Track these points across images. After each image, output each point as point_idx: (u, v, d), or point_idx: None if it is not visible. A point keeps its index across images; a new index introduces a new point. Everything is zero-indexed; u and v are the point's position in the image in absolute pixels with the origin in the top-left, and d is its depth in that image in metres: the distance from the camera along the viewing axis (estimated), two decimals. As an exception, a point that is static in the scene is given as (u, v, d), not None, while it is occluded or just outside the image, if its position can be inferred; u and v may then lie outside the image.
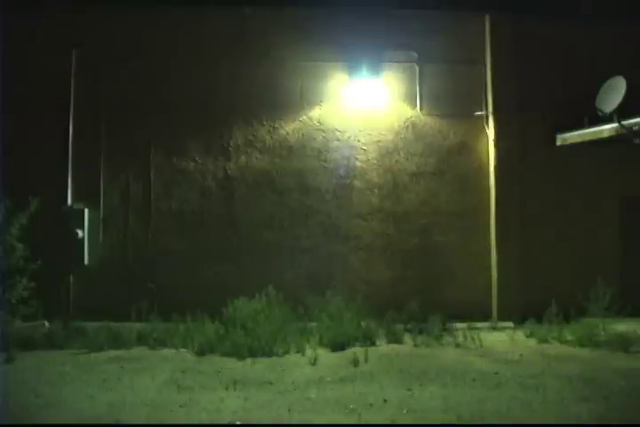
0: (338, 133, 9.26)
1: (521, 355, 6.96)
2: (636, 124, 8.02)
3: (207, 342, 7.18)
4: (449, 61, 9.30)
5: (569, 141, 9.04)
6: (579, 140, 8.87)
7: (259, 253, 9.02)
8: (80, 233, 8.87)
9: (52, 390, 5.57)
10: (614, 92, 8.62)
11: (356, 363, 6.52)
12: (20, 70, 8.54)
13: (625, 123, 8.11)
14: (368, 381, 5.89)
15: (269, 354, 6.91)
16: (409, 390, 5.56)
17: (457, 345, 7.48)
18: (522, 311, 8.45)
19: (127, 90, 8.99)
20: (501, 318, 8.82)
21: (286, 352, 7.04)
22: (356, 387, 5.67)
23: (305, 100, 9.23)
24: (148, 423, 4.77)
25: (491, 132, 9.28)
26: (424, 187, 9.31)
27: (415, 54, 9.32)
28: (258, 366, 6.49)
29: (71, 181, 8.96)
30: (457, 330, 7.99)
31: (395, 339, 7.65)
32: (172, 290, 8.72)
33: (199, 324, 7.80)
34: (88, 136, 8.97)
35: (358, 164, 9.28)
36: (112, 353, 7.07)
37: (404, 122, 9.32)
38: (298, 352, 7.05)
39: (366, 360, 6.63)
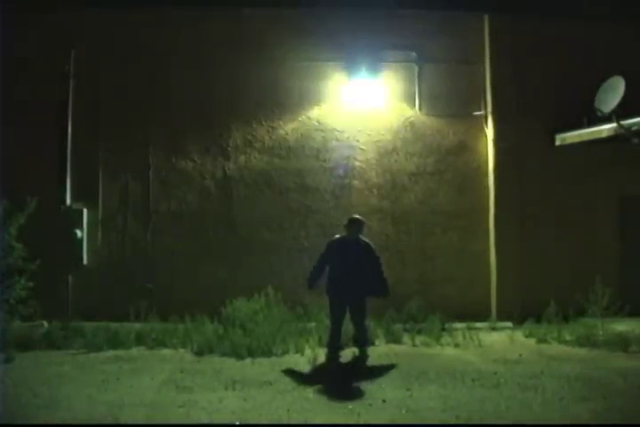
0: (337, 133, 9.26)
1: (520, 355, 6.96)
2: (634, 124, 8.02)
3: (206, 343, 7.19)
4: (448, 61, 9.30)
5: (568, 141, 9.04)
6: (577, 140, 8.87)
7: (257, 253, 9.01)
8: (79, 233, 8.86)
9: (51, 390, 5.55)
10: (613, 92, 8.63)
11: (354, 363, 6.52)
12: (19, 70, 8.53)
13: (624, 123, 8.10)
14: (367, 381, 5.89)
15: (268, 354, 6.91)
16: (408, 390, 5.56)
17: (456, 345, 7.48)
18: (521, 311, 8.45)
19: (126, 90, 8.99)
20: (500, 318, 8.81)
21: (285, 352, 7.03)
22: (355, 387, 5.66)
23: (304, 99, 9.22)
24: (147, 423, 4.77)
25: (490, 132, 9.28)
26: (423, 187, 9.31)
27: (414, 54, 9.31)
28: (257, 367, 6.49)
29: (70, 181, 8.96)
30: (456, 330, 7.99)
31: (394, 339, 7.65)
32: (171, 290, 8.72)
33: (198, 324, 7.81)
34: (87, 136, 8.97)
35: (357, 164, 9.27)
36: (111, 353, 7.06)
37: (403, 122, 9.32)
38: (297, 352, 7.05)
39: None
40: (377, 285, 6.83)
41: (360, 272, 6.75)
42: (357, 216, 7.12)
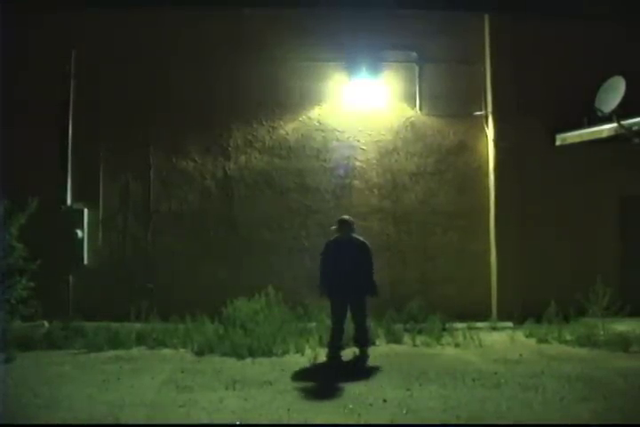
0: (337, 133, 9.26)
1: (520, 355, 6.96)
2: (635, 124, 8.01)
3: (206, 343, 7.19)
4: (448, 61, 9.29)
5: (568, 141, 9.03)
6: (578, 140, 8.86)
7: (258, 254, 9.01)
8: (79, 233, 8.87)
9: (52, 390, 5.56)
10: (613, 92, 8.62)
11: (355, 363, 6.52)
12: (20, 70, 8.53)
13: (624, 123, 8.10)
14: (367, 381, 5.89)
15: (269, 354, 6.91)
16: (408, 390, 5.56)
17: (456, 345, 7.48)
18: (521, 311, 8.45)
19: (127, 90, 8.99)
20: (501, 317, 8.81)
21: (286, 352, 7.04)
22: (356, 387, 5.67)
23: (304, 100, 9.22)
24: (147, 423, 4.77)
25: (490, 132, 9.28)
26: (423, 187, 9.31)
27: (415, 54, 9.32)
28: (257, 366, 6.49)
29: (71, 181, 8.96)
30: (456, 330, 7.99)
31: (394, 339, 7.65)
32: (172, 290, 8.73)
33: (198, 324, 7.82)
34: (88, 136, 8.98)
35: (358, 164, 9.27)
36: (111, 353, 7.07)
37: (404, 122, 9.32)
38: (297, 352, 7.05)
39: (366, 360, 6.63)
40: (366, 284, 6.84)
41: (357, 271, 6.76)
42: (345, 217, 7.12)
